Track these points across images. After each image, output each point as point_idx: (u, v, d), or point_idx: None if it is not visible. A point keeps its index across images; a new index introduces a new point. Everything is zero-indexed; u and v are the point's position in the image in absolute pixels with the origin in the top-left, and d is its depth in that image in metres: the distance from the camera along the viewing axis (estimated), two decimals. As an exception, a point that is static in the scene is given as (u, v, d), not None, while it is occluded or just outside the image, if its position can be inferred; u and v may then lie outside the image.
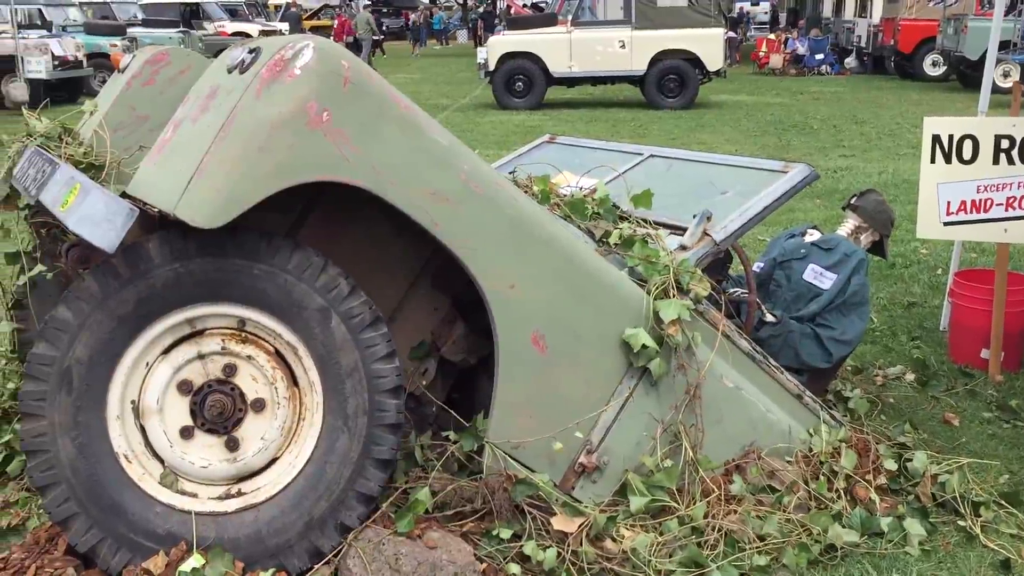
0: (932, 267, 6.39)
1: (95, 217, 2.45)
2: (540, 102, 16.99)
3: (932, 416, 4.11)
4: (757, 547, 2.96)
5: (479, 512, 2.92)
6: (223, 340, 2.72)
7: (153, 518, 2.64)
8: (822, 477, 3.27)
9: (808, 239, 4.04)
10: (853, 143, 12.57)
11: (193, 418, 2.72)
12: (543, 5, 30.65)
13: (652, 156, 4.16)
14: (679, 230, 3.42)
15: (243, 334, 2.72)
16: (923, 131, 4.50)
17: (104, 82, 18.52)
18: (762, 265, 4.09)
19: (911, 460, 3.42)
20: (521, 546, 2.84)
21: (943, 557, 3.06)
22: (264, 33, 24.45)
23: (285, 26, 29.37)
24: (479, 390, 3.45)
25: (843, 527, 3.08)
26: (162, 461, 2.71)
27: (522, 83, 16.87)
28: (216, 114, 2.57)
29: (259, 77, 2.52)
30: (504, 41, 16.88)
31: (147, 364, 2.67)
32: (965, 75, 19.24)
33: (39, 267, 3.20)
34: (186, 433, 2.72)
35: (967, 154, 4.41)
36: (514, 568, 2.79)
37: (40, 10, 20.22)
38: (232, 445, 2.73)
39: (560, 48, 16.49)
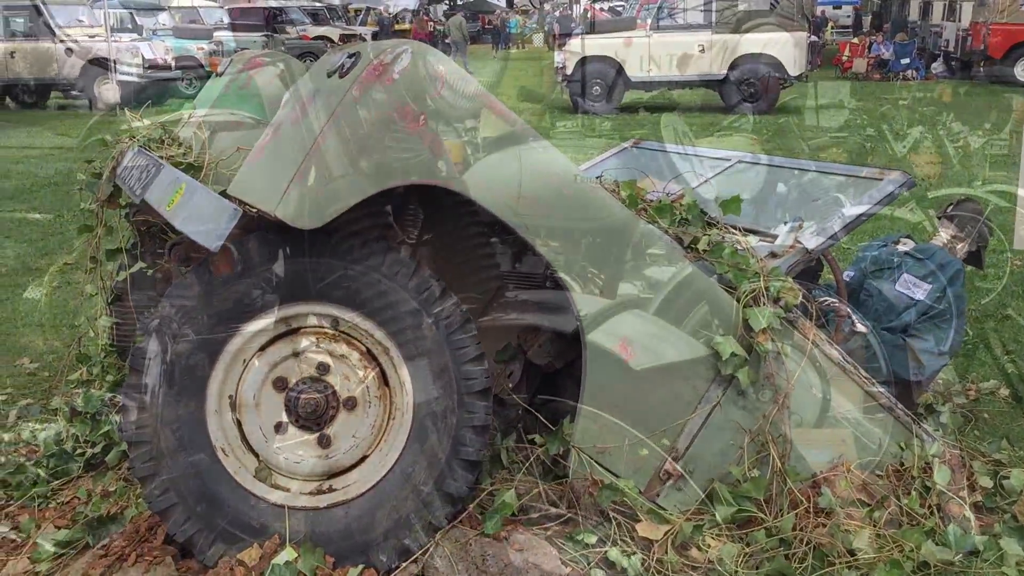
0: (1026, 279, 6.19)
1: (201, 217, 2.52)
2: (618, 106, 16.93)
3: (1028, 433, 3.99)
4: (847, 562, 2.90)
5: (563, 516, 2.92)
6: (317, 339, 2.77)
7: (248, 511, 2.70)
8: (914, 492, 3.18)
9: (902, 248, 3.95)
10: (941, 150, 12.23)
11: (287, 414, 2.78)
12: (620, 9, 30.50)
13: (740, 161, 4.11)
14: (769, 237, 3.38)
15: (337, 333, 2.77)
16: (1022, 139, 4.37)
17: (191, 85, 19.15)
18: (852, 274, 4.01)
19: (1007, 477, 3.32)
20: (605, 552, 2.83)
21: (1042, 579, 2.96)
22: (344, 37, 24.89)
23: (364, 30, 29.80)
24: (563, 394, 3.45)
25: (936, 544, 3.00)
26: (257, 455, 2.77)
27: (599, 87, 16.82)
28: (316, 117, 2.62)
29: (358, 81, 2.57)
30: (582, 45, 16.84)
31: (244, 360, 2.74)
32: (1059, 81, 18.61)
33: (139, 263, 3.30)
34: (280, 429, 2.77)
35: (1069, 163, 4.27)
36: (599, 573, 2.79)
37: (132, 14, 20.88)
38: (324, 442, 2.78)
39: (639, 52, 16.40)
